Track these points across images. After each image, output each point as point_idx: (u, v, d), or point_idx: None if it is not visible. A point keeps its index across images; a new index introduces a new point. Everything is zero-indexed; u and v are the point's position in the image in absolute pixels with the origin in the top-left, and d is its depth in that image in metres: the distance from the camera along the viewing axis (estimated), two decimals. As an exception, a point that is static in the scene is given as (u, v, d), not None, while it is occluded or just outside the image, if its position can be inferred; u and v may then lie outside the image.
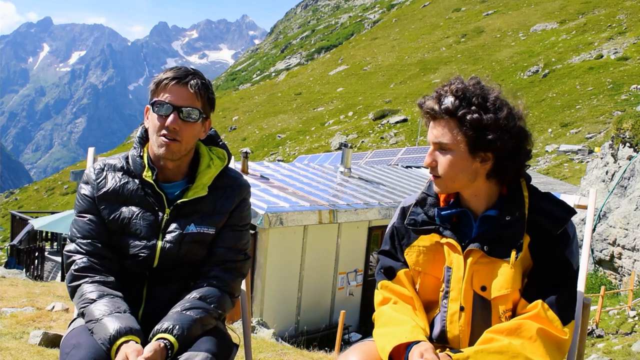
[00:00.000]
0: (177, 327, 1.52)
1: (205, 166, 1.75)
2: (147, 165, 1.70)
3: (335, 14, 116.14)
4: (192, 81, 1.65)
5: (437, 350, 1.44)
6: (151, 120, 1.68)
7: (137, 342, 1.48)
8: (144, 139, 1.75)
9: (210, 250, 1.72)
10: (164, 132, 1.63)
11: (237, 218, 1.76)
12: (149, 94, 1.69)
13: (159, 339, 1.50)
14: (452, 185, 1.57)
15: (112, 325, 1.49)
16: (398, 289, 1.65)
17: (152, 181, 1.69)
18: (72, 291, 1.64)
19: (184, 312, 1.58)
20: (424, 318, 1.59)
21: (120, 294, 1.61)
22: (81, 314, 1.59)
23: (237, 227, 1.76)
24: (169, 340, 1.50)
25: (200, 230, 1.69)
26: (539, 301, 1.47)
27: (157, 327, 1.54)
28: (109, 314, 1.52)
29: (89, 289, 1.59)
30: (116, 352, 1.45)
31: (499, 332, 1.45)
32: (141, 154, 1.73)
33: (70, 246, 1.67)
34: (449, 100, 1.51)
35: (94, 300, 1.56)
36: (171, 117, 1.62)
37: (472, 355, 1.43)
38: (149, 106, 1.69)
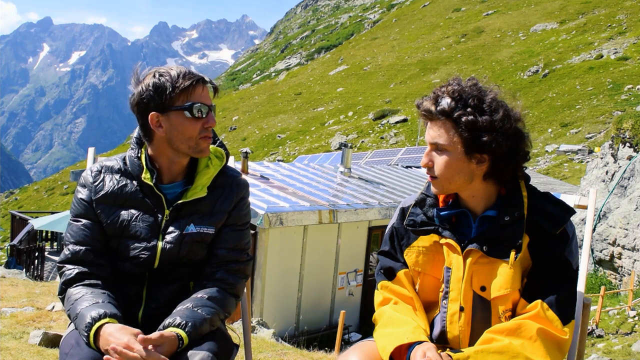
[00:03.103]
0: (190, 323, 1.52)
1: (203, 166, 1.74)
2: (145, 167, 1.69)
3: (335, 14, 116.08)
4: (207, 79, 1.68)
5: (438, 351, 1.44)
6: (180, 125, 1.62)
7: (114, 324, 1.47)
8: (141, 140, 1.73)
9: (212, 251, 1.71)
10: (206, 133, 1.66)
11: (236, 217, 1.75)
12: (162, 99, 1.60)
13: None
14: (449, 186, 1.57)
15: (88, 314, 1.49)
16: (398, 289, 1.65)
17: (151, 183, 1.68)
18: (63, 300, 1.65)
19: (195, 309, 1.57)
20: (424, 318, 1.59)
21: (106, 291, 1.60)
22: (68, 316, 1.59)
23: (237, 227, 1.75)
24: (180, 335, 1.50)
25: (200, 230, 1.68)
26: (539, 301, 1.47)
27: (168, 320, 1.53)
28: (87, 307, 1.52)
29: (75, 291, 1.60)
30: (94, 338, 1.46)
31: (499, 332, 1.45)
32: (139, 155, 1.71)
33: (62, 255, 1.67)
34: (445, 102, 1.51)
35: (77, 299, 1.57)
36: (211, 116, 1.67)
37: (472, 355, 1.43)
38: (159, 114, 1.61)
